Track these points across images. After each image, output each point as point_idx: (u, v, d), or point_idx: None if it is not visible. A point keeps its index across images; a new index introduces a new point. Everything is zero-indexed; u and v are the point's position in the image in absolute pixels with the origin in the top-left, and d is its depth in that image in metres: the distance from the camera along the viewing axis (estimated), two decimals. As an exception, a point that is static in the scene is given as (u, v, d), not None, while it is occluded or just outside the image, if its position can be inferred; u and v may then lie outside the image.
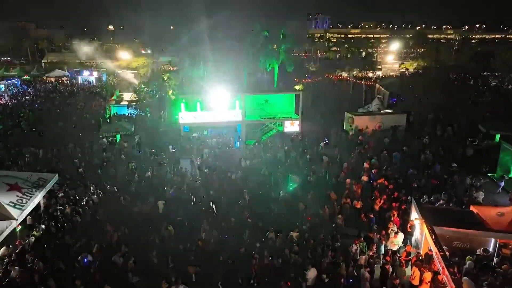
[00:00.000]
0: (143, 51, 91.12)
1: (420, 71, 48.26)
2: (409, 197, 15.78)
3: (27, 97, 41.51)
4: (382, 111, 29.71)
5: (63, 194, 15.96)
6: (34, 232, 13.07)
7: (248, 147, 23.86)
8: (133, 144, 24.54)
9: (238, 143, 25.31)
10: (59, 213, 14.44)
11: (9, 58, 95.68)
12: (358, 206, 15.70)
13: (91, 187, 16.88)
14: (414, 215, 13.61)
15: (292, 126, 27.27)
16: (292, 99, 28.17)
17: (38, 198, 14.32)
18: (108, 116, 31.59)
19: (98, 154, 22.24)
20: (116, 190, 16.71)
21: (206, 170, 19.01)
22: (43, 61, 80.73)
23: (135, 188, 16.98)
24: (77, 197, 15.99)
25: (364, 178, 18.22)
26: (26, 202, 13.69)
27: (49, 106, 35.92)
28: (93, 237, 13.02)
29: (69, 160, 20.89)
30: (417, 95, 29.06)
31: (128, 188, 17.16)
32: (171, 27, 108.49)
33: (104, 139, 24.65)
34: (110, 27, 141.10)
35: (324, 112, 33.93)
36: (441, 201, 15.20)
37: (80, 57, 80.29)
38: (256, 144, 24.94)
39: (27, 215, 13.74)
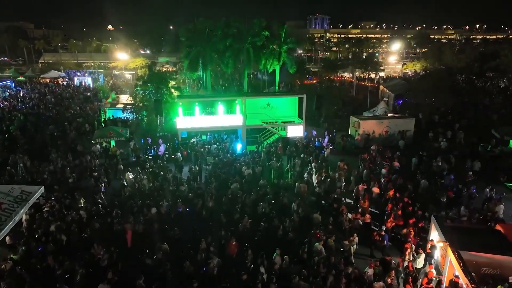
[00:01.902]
0: (142, 51, 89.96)
1: (424, 73, 46.98)
2: (425, 213, 14.57)
3: (19, 99, 40.12)
4: (389, 115, 28.46)
5: (48, 208, 14.62)
6: (12, 255, 11.75)
7: (250, 153, 22.54)
8: (128, 151, 23.27)
9: (238, 147, 24.06)
10: (42, 231, 13.12)
11: (6, 58, 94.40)
12: (368, 221, 14.43)
13: (81, 200, 15.57)
14: (434, 234, 12.36)
15: (296, 131, 25.95)
16: (295, 103, 26.85)
17: (19, 215, 13.01)
18: (103, 120, 30.34)
19: (91, 161, 20.88)
20: (106, 203, 15.37)
21: (203, 181, 17.69)
22: (39, 61, 79.40)
23: (131, 201, 15.58)
24: (64, 212, 14.68)
25: (375, 189, 16.92)
26: (6, 220, 12.39)
27: (42, 109, 34.52)
28: (80, 259, 11.72)
29: (59, 168, 19.51)
30: (427, 98, 27.80)
31: (123, 201, 15.81)
32: (171, 27, 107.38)
33: (98, 145, 23.37)
34: (110, 27, 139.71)
35: (328, 116, 32.73)
36: (462, 218, 13.92)
37: (77, 57, 79.15)
38: (258, 149, 23.71)
39: (6, 235, 12.45)
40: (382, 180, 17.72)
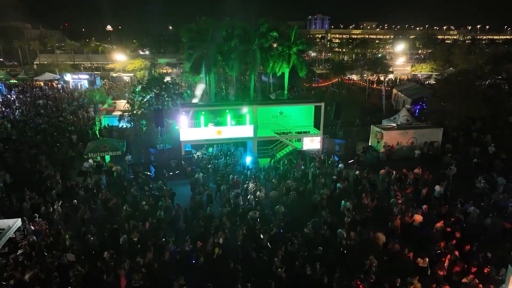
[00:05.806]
0: (141, 52, 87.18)
1: (447, 75, 44.20)
2: (488, 254, 11.87)
3: (9, 105, 37.26)
4: (413, 124, 25.81)
5: (24, 249, 11.89)
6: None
7: (263, 170, 19.85)
8: (124, 166, 20.53)
9: (247, 160, 21.41)
10: (13, 283, 10.40)
11: (1, 59, 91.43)
12: (424, 265, 11.63)
13: (66, 237, 12.81)
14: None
15: (312, 143, 23.30)
16: (311, 111, 24.19)
17: (-14, 262, 10.37)
18: (98, 129, 27.60)
19: (82, 182, 18.12)
20: (96, 244, 12.60)
21: (210, 209, 14.94)
22: (35, 62, 76.57)
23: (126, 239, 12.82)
24: (45, 253, 11.95)
25: (418, 218, 14.17)
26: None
27: (31, 116, 31.65)
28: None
29: (45, 192, 16.73)
30: (453, 104, 25.22)
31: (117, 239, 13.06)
32: (170, 27, 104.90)
33: (90, 160, 20.63)
34: (109, 27, 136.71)
35: (342, 124, 29.97)
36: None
37: (74, 59, 76.41)
38: (271, 163, 21.09)
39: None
40: (423, 207, 14.98)
